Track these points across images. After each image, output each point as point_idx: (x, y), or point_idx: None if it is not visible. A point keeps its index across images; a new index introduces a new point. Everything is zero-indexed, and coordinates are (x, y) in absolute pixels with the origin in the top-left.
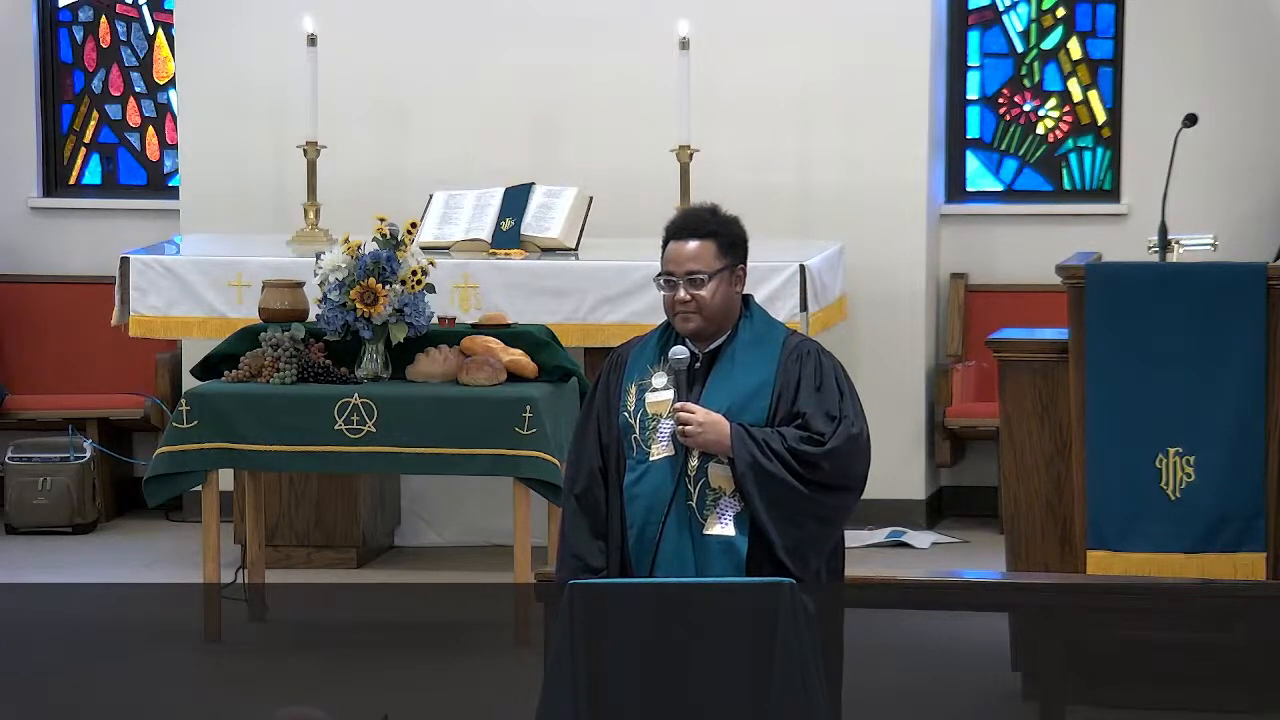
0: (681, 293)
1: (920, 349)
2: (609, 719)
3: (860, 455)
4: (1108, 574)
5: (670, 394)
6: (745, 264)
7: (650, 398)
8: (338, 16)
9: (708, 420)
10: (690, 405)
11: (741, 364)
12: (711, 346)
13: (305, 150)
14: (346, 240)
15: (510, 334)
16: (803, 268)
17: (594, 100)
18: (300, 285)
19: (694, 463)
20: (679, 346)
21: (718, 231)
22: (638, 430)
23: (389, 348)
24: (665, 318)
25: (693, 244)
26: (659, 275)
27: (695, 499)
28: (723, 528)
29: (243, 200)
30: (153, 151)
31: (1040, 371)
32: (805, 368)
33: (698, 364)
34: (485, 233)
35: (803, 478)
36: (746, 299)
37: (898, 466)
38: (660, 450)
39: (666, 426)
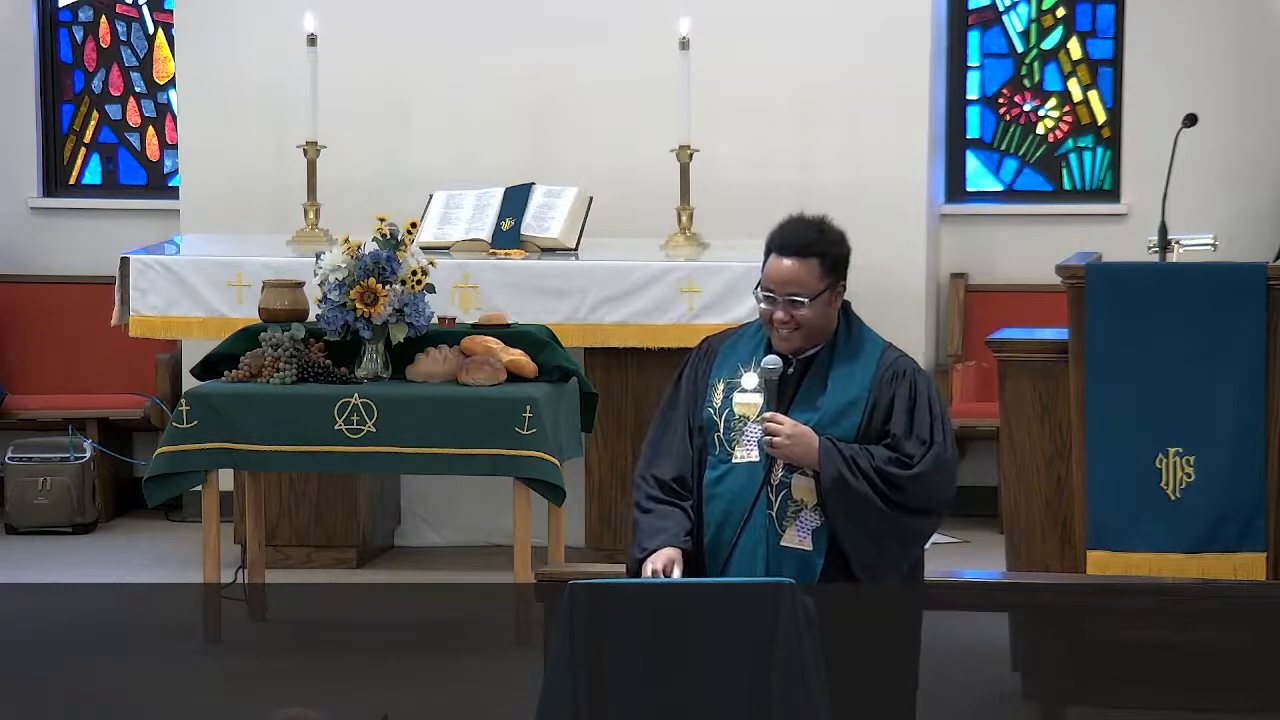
0: (781, 312)
1: (920, 349)
2: (609, 719)
3: (947, 480)
4: (1108, 574)
5: (759, 398)
6: (846, 280)
7: (738, 398)
8: (338, 16)
9: (796, 432)
10: (780, 416)
11: (835, 377)
12: (805, 355)
13: (305, 150)
14: (346, 240)
15: (510, 334)
16: None
17: (594, 100)
18: (300, 285)
19: (778, 472)
20: (773, 356)
21: (824, 252)
22: (722, 429)
23: (389, 348)
24: (668, 316)
25: (796, 263)
26: (758, 287)
27: (776, 508)
28: (800, 541)
29: (243, 200)
30: (153, 151)
31: (1040, 371)
32: (900, 388)
33: (790, 370)
34: (485, 233)
35: (888, 499)
36: (845, 308)
37: None
38: (744, 453)
39: (752, 430)
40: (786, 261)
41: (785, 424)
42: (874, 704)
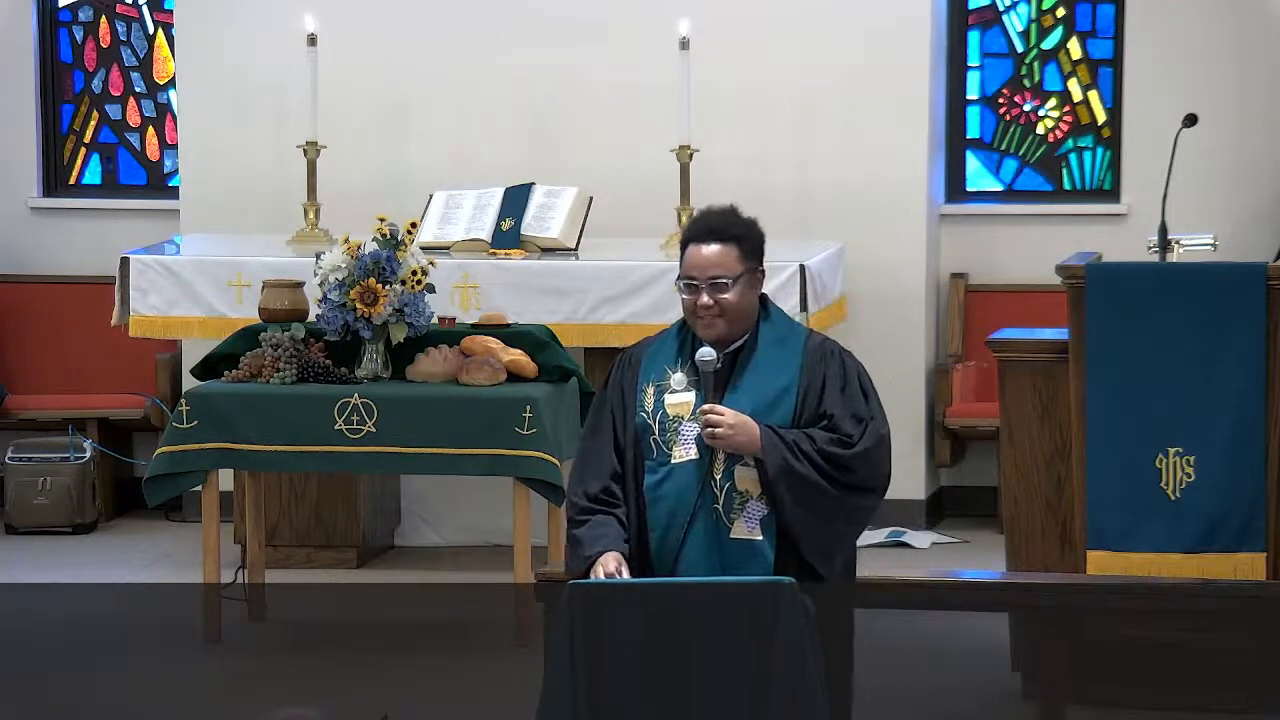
0: (705, 298)
1: (920, 349)
2: (609, 719)
3: (886, 457)
4: (1108, 574)
5: (690, 396)
6: (763, 265)
7: (670, 399)
8: (338, 16)
9: (738, 422)
10: (719, 407)
11: (765, 366)
12: (731, 348)
13: (305, 150)
14: (346, 240)
15: (510, 334)
16: (803, 268)
17: (594, 100)
18: (300, 285)
19: (720, 466)
20: (707, 348)
21: (741, 235)
22: (657, 432)
23: (389, 348)
24: (667, 316)
25: (716, 248)
26: (680, 280)
27: (721, 502)
28: (750, 531)
29: (243, 200)
30: (153, 151)
31: (1040, 371)
32: (830, 369)
33: (719, 364)
34: (485, 233)
35: (833, 479)
36: (763, 299)
37: (898, 466)
38: (682, 453)
39: (688, 429)
40: (706, 248)
41: (726, 414)
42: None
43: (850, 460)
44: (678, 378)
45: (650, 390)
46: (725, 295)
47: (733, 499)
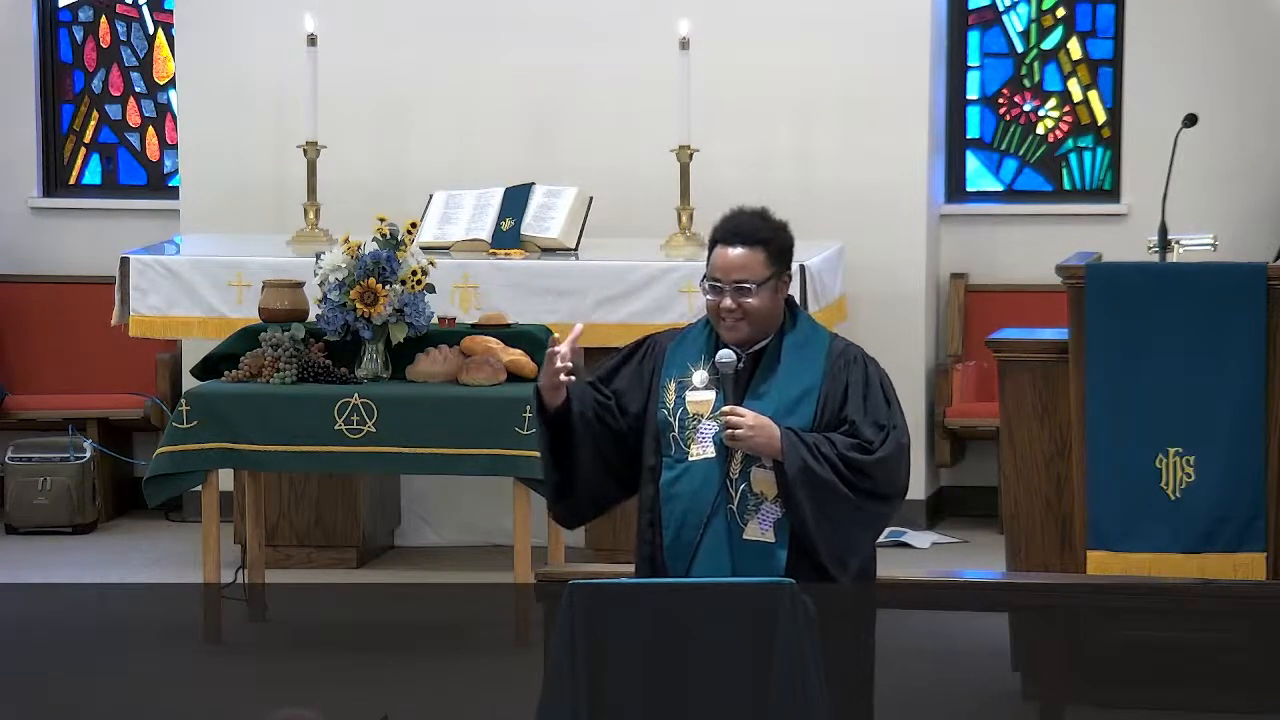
0: (728, 301)
1: (920, 349)
2: (609, 719)
3: (905, 467)
4: (1108, 574)
5: (711, 395)
6: (790, 269)
7: (691, 397)
8: (338, 16)
9: (758, 424)
10: (740, 409)
11: (787, 368)
12: (754, 349)
13: (305, 150)
14: (346, 240)
15: (510, 334)
16: (803, 267)
17: (594, 100)
18: (300, 285)
19: (736, 466)
20: (726, 350)
21: (769, 240)
22: (676, 429)
23: (389, 348)
24: (668, 317)
25: (742, 251)
26: (704, 279)
27: (736, 503)
28: (763, 533)
29: (243, 200)
30: (153, 151)
31: (1040, 371)
32: (853, 374)
33: (740, 365)
34: (485, 233)
35: (852, 485)
36: (789, 301)
37: None
38: (699, 451)
39: (707, 428)
40: (732, 251)
41: (746, 416)
42: (837, 707)
43: (870, 466)
44: (699, 376)
45: (672, 386)
46: (749, 299)
47: (748, 500)
